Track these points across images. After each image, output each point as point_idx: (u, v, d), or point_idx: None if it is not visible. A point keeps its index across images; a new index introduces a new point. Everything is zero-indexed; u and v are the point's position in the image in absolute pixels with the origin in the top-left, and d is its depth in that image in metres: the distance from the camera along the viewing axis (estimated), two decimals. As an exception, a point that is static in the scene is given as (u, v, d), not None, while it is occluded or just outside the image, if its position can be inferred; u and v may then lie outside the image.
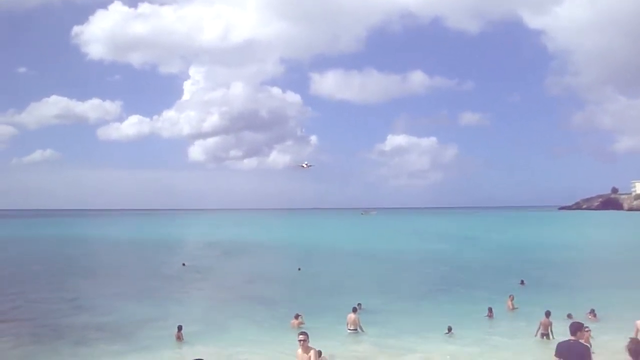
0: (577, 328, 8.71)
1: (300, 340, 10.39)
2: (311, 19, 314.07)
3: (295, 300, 27.51)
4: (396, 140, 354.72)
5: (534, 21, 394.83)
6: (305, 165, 68.96)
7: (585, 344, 8.49)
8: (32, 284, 34.30)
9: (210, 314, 24.78)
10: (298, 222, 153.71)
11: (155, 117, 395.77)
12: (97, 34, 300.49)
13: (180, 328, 19.53)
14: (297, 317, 21.57)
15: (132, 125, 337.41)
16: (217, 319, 23.32)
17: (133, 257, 53.06)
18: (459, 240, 76.94)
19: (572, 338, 8.65)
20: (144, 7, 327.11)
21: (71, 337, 20.29)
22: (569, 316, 21.95)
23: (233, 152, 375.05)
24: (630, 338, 9.00)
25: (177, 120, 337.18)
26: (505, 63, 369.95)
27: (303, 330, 12.65)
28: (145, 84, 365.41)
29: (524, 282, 33.22)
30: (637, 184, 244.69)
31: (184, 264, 44.05)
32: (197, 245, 73.87)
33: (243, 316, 24.02)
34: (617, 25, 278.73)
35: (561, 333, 17.67)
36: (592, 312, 22.47)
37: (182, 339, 19.29)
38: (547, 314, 18.42)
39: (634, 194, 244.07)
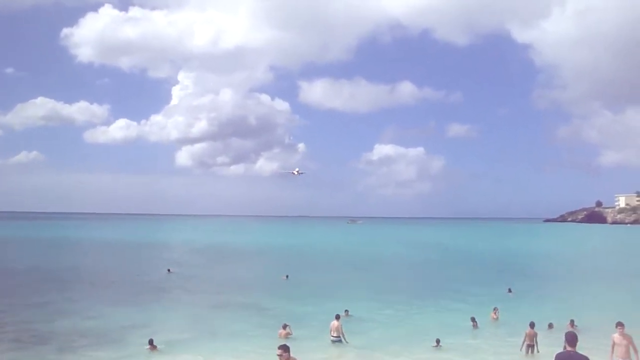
0: (575, 338, 8.47)
1: (278, 355, 9.24)
2: (302, 27, 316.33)
3: (282, 309, 27.40)
4: (384, 149, 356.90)
5: (521, 35, 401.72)
6: (296, 172, 68.31)
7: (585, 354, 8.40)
8: (14, 288, 33.87)
9: (195, 322, 24.52)
10: (285, 230, 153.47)
11: (143, 121, 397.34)
12: (87, 36, 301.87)
13: (151, 342, 19.05)
14: (284, 327, 21.28)
15: (120, 129, 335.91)
16: (202, 328, 23.08)
17: (118, 262, 52.71)
18: (446, 250, 77.31)
19: (571, 349, 8.37)
20: (134, 11, 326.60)
21: (54, 343, 20.04)
22: (550, 326, 22.36)
23: (220, 158, 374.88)
24: None
25: (164, 125, 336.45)
26: (493, 76, 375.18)
27: (287, 341, 12.25)
28: (134, 88, 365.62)
29: (512, 290, 33.63)
30: (621, 197, 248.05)
31: (169, 270, 43.78)
32: (183, 251, 73.46)
33: (228, 325, 23.79)
34: (603, 41, 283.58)
35: (545, 344, 18.01)
36: (572, 322, 22.77)
37: (157, 349, 18.93)
38: (532, 325, 18.58)
39: (617, 207, 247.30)
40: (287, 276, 40.17)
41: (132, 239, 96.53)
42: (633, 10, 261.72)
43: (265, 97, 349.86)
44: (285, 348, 9.32)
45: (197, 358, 18.31)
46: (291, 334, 20.76)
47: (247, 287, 36.58)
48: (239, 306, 28.94)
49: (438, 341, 20.17)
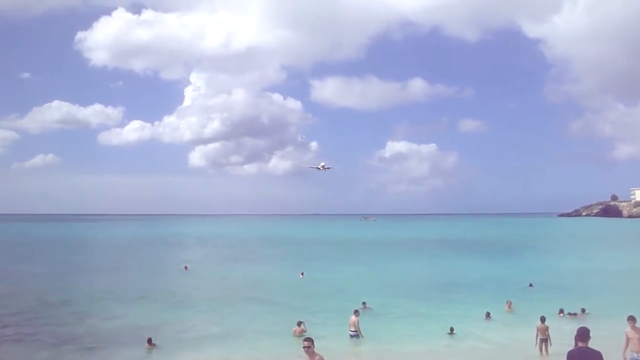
0: (587, 333, 8.37)
1: (304, 347, 9.64)
2: (312, 26, 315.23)
3: (297, 306, 27.59)
4: (396, 146, 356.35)
5: (532, 30, 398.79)
6: (321, 167, 66.56)
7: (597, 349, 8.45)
8: (31, 289, 34.28)
9: (211, 319, 24.84)
10: (299, 228, 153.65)
11: (156, 122, 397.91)
12: (101, 40, 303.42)
13: (150, 340, 19.35)
14: (299, 324, 21.51)
15: (134, 131, 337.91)
16: (218, 325, 23.40)
17: (135, 262, 53.28)
18: (460, 245, 77.19)
19: (583, 344, 8.32)
20: (147, 14, 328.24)
21: (71, 343, 20.20)
22: (561, 312, 23.78)
23: (233, 158, 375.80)
24: None
25: (177, 125, 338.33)
26: (504, 71, 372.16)
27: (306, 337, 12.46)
28: (147, 89, 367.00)
29: (532, 285, 34.00)
30: (636, 191, 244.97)
31: (186, 268, 44.34)
32: (199, 249, 74.21)
33: (244, 323, 24.05)
34: (615, 34, 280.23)
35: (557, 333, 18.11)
36: (582, 310, 24.24)
37: (155, 346, 19.21)
38: (542, 319, 18.64)
39: (633, 201, 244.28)
40: (302, 274, 40.38)
41: (148, 239, 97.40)
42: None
43: (277, 97, 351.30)
44: (311, 340, 9.77)
45: (213, 355, 18.52)
46: (306, 331, 20.86)
47: (262, 286, 36.81)
48: (254, 304, 29.17)
49: (452, 329, 20.91)
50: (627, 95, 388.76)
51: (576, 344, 8.63)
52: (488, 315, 23.91)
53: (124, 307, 27.49)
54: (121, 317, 25.06)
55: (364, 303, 25.32)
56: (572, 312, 24.11)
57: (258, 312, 26.65)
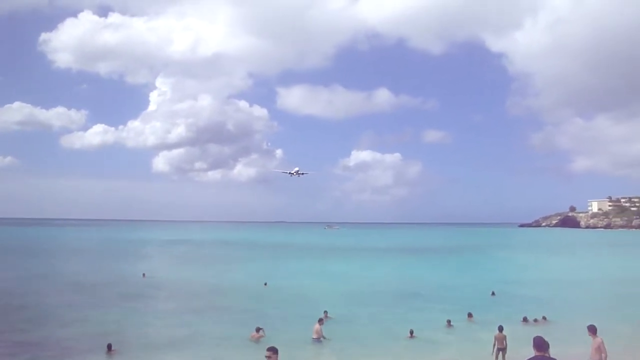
0: (544, 343, 8.16)
1: (266, 357, 9.07)
2: (279, 35, 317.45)
3: (259, 314, 27.05)
4: (361, 155, 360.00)
5: (495, 44, 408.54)
6: (294, 173, 65.34)
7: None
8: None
9: (168, 327, 24.23)
10: (262, 236, 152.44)
11: (120, 126, 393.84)
12: (66, 42, 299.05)
13: (109, 346, 18.87)
14: (258, 330, 21.28)
15: (97, 135, 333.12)
16: (175, 333, 22.82)
17: (92, 268, 51.69)
18: (423, 254, 77.63)
19: (540, 353, 8.10)
20: (114, 17, 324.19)
21: (30, 352, 19.36)
22: (525, 319, 24.37)
23: (198, 164, 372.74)
24: None
25: (142, 130, 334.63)
26: (468, 83, 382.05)
27: (260, 344, 11.98)
28: (112, 93, 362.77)
29: (494, 293, 34.21)
30: (593, 202, 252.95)
31: (144, 275, 43.22)
32: (159, 256, 72.68)
33: (202, 330, 23.59)
34: (573, 51, 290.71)
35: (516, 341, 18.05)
36: (544, 318, 24.72)
37: (115, 351, 18.76)
38: (500, 328, 18.62)
39: (590, 212, 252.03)
40: (266, 283, 39.40)
41: (108, 245, 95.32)
42: (600, 22, 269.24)
43: (243, 104, 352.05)
44: (274, 350, 9.12)
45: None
46: (264, 337, 20.68)
47: (224, 294, 36.15)
48: (214, 311, 28.65)
49: (412, 332, 21.22)
50: (585, 109, 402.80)
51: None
52: (449, 323, 24.01)
53: (82, 313, 26.67)
54: (80, 323, 24.34)
55: (325, 312, 25.03)
56: (533, 319, 24.34)
57: (218, 320, 26.18)
